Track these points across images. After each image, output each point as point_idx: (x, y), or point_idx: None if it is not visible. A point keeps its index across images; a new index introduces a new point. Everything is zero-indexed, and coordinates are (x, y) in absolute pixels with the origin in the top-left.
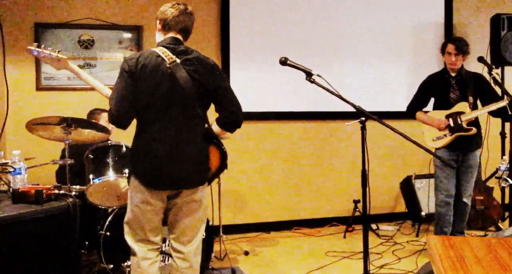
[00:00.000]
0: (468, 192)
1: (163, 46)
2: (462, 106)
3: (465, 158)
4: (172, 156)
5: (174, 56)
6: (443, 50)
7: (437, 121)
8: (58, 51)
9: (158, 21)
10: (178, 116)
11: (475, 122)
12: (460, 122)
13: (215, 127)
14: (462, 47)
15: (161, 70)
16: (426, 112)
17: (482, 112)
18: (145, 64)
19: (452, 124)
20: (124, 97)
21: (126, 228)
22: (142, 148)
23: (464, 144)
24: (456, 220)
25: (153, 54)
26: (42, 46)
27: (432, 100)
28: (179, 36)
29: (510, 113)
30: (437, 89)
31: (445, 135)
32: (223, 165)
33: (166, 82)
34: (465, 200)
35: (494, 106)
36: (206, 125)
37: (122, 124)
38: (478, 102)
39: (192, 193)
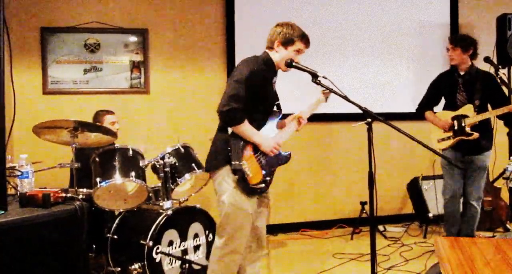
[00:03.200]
0: (475, 194)
1: None
2: (468, 108)
3: (472, 160)
4: None
5: None
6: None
7: (442, 123)
8: None
9: None
10: None
11: (483, 125)
12: (463, 126)
13: None
14: (456, 40)
15: None
16: (435, 112)
17: (484, 117)
18: None
19: (456, 127)
20: None
21: None
22: None
23: (470, 146)
24: (464, 223)
25: None
26: None
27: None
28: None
29: None
30: (445, 89)
31: (448, 137)
32: (260, 181)
33: None
34: (473, 202)
35: (495, 113)
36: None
37: None
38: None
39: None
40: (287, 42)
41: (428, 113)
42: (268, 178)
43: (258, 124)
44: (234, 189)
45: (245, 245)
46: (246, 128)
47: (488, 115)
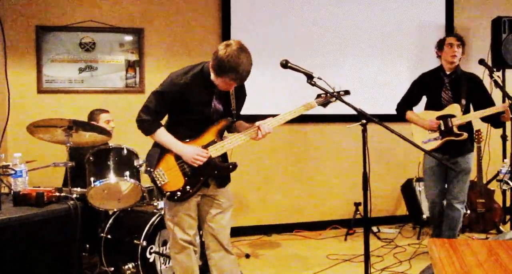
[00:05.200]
0: (460, 197)
1: None
2: (453, 108)
3: (456, 161)
4: None
5: None
6: (441, 45)
7: (429, 122)
8: None
9: None
10: None
11: (466, 126)
12: (451, 126)
13: None
14: (462, 39)
15: None
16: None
17: (474, 118)
18: None
19: (442, 128)
20: None
21: None
22: None
23: (454, 147)
24: (446, 226)
25: None
26: None
27: (424, 100)
28: None
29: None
30: (429, 88)
31: (435, 138)
32: (179, 189)
33: None
34: (457, 205)
35: (487, 112)
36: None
37: None
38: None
39: None
40: (216, 71)
41: (410, 113)
42: (188, 187)
43: (193, 133)
44: None
45: (184, 243)
46: (161, 139)
47: (479, 115)
